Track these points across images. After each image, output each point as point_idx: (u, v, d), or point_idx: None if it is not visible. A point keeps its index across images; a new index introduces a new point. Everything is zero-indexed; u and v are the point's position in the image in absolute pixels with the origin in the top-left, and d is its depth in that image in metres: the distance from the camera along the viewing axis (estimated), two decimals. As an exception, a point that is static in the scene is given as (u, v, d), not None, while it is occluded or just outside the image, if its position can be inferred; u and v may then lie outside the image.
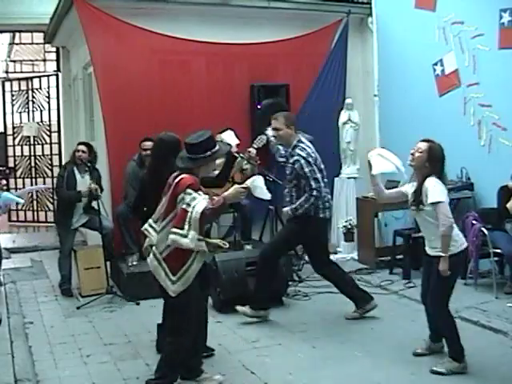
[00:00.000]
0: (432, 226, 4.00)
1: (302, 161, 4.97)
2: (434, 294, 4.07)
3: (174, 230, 3.42)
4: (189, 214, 3.39)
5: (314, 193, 4.97)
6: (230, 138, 5.35)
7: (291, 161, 5.07)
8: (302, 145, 5.07)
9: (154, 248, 3.59)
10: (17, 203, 5.77)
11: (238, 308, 5.16)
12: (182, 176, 3.52)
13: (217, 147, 3.67)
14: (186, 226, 3.38)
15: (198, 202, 3.40)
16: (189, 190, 3.43)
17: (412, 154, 4.07)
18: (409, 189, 4.19)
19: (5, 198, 4.98)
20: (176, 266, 3.49)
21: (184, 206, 3.41)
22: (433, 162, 4.01)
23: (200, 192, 3.48)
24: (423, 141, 4.10)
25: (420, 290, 4.36)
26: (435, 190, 3.93)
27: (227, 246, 3.55)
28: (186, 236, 3.38)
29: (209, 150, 3.60)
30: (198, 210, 3.37)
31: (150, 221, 3.68)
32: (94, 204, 6.15)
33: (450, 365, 4.01)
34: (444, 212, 3.90)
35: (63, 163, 6.76)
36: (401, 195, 4.30)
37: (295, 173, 5.04)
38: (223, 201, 3.47)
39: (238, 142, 5.38)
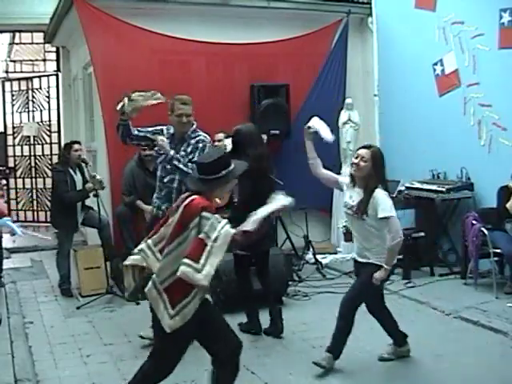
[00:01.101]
0: (372, 237, 3.99)
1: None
2: (350, 295, 4.11)
3: (188, 261, 2.90)
4: (208, 247, 2.92)
5: None
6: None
7: (189, 150, 4.64)
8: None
9: (154, 276, 3.10)
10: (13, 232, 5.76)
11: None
12: (194, 197, 3.08)
13: (231, 166, 3.18)
14: (202, 261, 2.90)
15: (221, 231, 2.95)
16: (206, 214, 2.97)
17: (356, 164, 4.00)
18: (345, 182, 4.20)
19: (2, 222, 4.92)
20: (176, 298, 3.02)
21: (202, 236, 2.94)
22: (378, 169, 4.00)
23: (217, 216, 3.01)
24: (364, 147, 4.06)
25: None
26: (386, 204, 3.92)
27: None
28: (199, 271, 2.89)
29: (223, 169, 3.13)
30: (225, 236, 2.94)
31: (150, 242, 3.20)
32: (90, 203, 6.19)
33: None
34: (396, 227, 3.90)
35: (55, 166, 6.63)
36: (334, 183, 4.32)
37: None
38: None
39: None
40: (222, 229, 2.95)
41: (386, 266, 3.93)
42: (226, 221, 3.02)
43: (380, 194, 3.94)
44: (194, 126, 4.72)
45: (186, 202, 3.07)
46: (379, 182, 3.99)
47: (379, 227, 3.95)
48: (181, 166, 4.49)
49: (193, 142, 4.65)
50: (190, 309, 3.02)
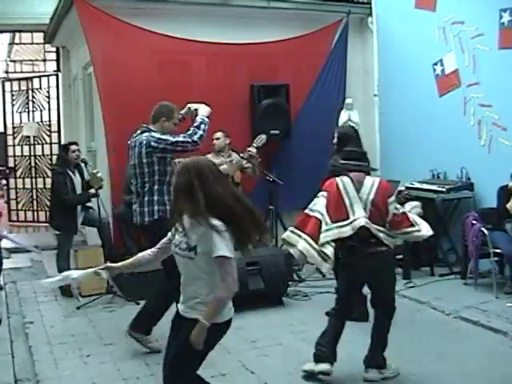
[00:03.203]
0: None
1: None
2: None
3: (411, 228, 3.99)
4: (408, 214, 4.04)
5: None
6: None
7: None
8: None
9: None
10: None
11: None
12: (379, 179, 4.05)
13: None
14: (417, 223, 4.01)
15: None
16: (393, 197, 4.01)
17: None
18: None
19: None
20: None
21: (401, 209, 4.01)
22: None
23: None
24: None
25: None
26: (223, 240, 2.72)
27: None
28: (420, 230, 3.99)
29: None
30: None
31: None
32: (90, 203, 6.19)
33: None
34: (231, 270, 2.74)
35: (54, 168, 6.56)
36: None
37: None
38: None
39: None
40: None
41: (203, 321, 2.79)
42: None
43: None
44: None
45: (377, 183, 3.92)
46: None
47: (209, 268, 2.82)
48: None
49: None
50: None
